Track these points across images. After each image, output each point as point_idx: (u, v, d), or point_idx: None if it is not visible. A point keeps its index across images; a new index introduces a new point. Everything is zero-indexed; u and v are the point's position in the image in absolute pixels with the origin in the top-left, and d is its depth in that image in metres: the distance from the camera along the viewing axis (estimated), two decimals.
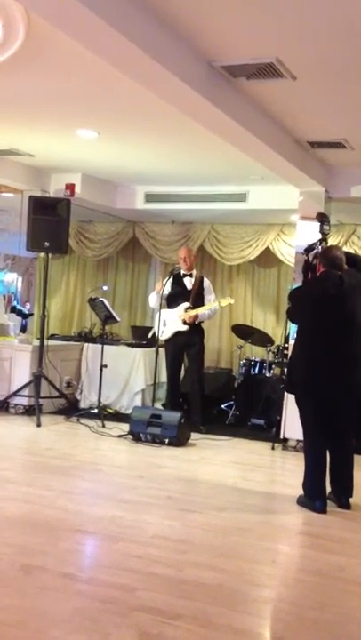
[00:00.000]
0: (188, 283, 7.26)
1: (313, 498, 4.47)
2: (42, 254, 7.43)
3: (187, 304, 7.15)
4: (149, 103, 4.72)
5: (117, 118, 5.47)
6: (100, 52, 3.48)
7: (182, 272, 7.26)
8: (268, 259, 8.89)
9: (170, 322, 7.17)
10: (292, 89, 4.39)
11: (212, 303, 7.24)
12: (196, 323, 7.18)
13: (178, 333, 7.13)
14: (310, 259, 4.74)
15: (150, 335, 7.54)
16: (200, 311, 7.12)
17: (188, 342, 7.17)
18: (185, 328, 7.11)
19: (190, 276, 7.29)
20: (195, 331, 7.18)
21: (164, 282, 7.17)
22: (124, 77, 3.88)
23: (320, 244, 4.82)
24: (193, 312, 7.08)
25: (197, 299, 7.21)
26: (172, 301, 7.25)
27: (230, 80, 4.31)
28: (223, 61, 4.04)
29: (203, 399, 7.23)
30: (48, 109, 5.38)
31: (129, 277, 9.91)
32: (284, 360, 6.95)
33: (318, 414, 4.54)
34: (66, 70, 4.43)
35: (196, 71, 3.99)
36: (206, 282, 7.42)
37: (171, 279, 7.21)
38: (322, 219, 4.98)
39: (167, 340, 7.20)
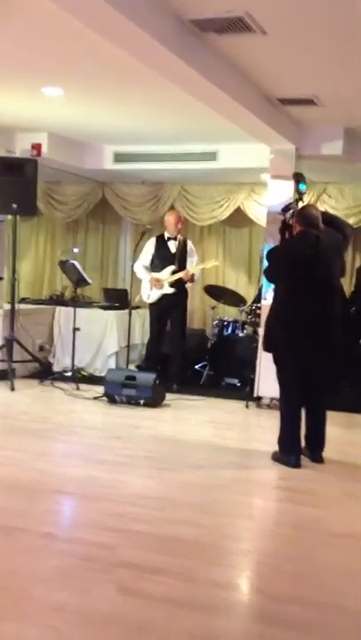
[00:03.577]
0: (173, 246, 7.24)
1: (288, 453, 4.56)
2: (9, 216, 7.30)
3: (173, 267, 7.15)
4: (116, 59, 4.60)
5: (84, 75, 5.34)
6: (65, 6, 3.37)
7: (167, 235, 7.24)
8: (239, 219, 8.85)
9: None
10: (262, 44, 4.32)
11: (200, 265, 7.32)
12: (189, 283, 7.26)
13: (164, 296, 7.14)
14: (287, 218, 4.73)
15: (137, 300, 7.50)
16: (196, 270, 7.20)
17: (173, 304, 7.21)
18: (172, 291, 7.14)
19: (175, 239, 7.27)
20: (179, 292, 7.22)
21: (145, 246, 7.17)
22: (90, 32, 3.77)
23: (296, 204, 4.81)
24: (193, 269, 7.17)
25: (182, 262, 7.23)
26: (155, 265, 7.23)
27: (200, 35, 4.22)
28: (192, 15, 3.95)
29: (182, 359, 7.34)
30: (10, 66, 5.21)
31: (99, 239, 9.81)
32: (257, 320, 7.00)
33: (296, 372, 4.59)
34: (29, 26, 4.28)
35: (165, 26, 3.89)
36: (190, 244, 7.45)
37: (153, 242, 7.20)
38: (298, 178, 4.96)
39: (152, 304, 7.21)
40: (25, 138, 7.57)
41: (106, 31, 3.71)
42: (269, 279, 4.99)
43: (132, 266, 7.44)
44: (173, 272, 7.15)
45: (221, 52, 4.58)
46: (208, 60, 4.48)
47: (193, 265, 7.28)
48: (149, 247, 7.27)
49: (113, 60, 4.76)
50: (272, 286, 5.10)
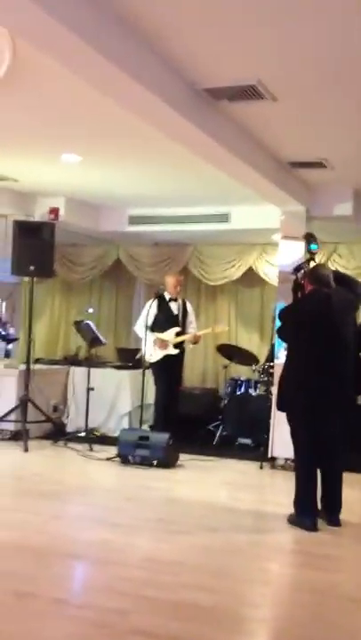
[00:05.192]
0: (175, 307, 7.32)
1: (304, 515, 4.46)
2: (26, 278, 7.40)
3: (178, 329, 7.21)
4: (132, 125, 4.76)
5: (100, 142, 5.52)
6: (83, 73, 3.51)
7: (168, 297, 7.31)
8: (251, 278, 8.93)
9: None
10: (273, 110, 4.46)
11: (208, 329, 7.53)
12: (192, 345, 7.40)
13: (166, 356, 7.15)
14: (299, 278, 4.78)
15: (137, 357, 7.53)
16: (204, 332, 7.42)
17: (175, 364, 7.23)
18: (176, 352, 7.17)
19: (176, 300, 7.35)
20: (180, 353, 7.27)
21: (149, 306, 7.22)
22: (107, 100, 3.93)
23: (307, 264, 4.87)
24: (201, 333, 7.38)
25: (185, 323, 7.31)
26: (158, 326, 7.25)
27: (212, 102, 4.37)
28: (205, 84, 4.10)
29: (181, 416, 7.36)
30: (32, 134, 5.41)
31: (113, 299, 9.90)
32: (270, 379, 6.97)
33: (311, 432, 4.54)
34: (49, 95, 4.46)
35: (179, 93, 4.04)
36: (189, 306, 7.56)
37: (156, 303, 7.26)
38: (309, 238, 5.03)
39: (156, 363, 7.21)
40: (43, 202, 7.78)
41: (121, 99, 3.88)
42: (282, 338, 5.00)
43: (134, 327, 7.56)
44: (178, 333, 7.20)
45: (233, 118, 4.73)
46: (221, 125, 4.62)
47: (192, 326, 7.38)
48: (152, 308, 7.27)
49: (128, 127, 4.92)
50: (284, 345, 5.11)
